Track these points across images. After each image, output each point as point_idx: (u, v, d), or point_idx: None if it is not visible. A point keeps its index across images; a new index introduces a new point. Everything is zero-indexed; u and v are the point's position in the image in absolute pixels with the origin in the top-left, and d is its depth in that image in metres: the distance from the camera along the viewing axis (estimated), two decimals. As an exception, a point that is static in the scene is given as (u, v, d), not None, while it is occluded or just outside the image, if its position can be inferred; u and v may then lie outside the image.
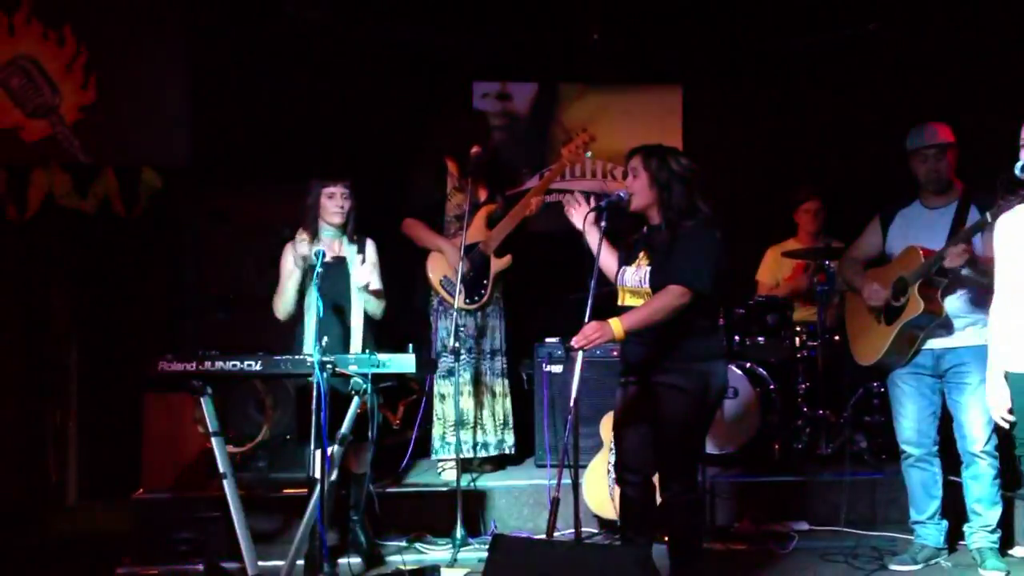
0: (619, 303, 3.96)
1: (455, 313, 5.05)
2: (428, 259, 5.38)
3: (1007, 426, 3.66)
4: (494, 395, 5.47)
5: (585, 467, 4.94)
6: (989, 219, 3.85)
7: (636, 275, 3.88)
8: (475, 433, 5.36)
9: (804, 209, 6.21)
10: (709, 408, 3.93)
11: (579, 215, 3.94)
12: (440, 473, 5.38)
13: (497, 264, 5.44)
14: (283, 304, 4.65)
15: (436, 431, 5.38)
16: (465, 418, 5.32)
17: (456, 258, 5.21)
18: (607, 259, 4.04)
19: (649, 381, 3.86)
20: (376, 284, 4.74)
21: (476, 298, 5.37)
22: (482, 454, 5.42)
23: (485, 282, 5.39)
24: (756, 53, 6.74)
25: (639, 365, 3.90)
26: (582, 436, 4.60)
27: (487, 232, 5.40)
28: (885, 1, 6.34)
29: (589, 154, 5.72)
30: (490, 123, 6.64)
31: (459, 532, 4.78)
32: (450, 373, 5.26)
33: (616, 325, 3.68)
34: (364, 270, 4.64)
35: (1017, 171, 3.44)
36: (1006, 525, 4.56)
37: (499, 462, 5.55)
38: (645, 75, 7.00)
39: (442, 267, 5.35)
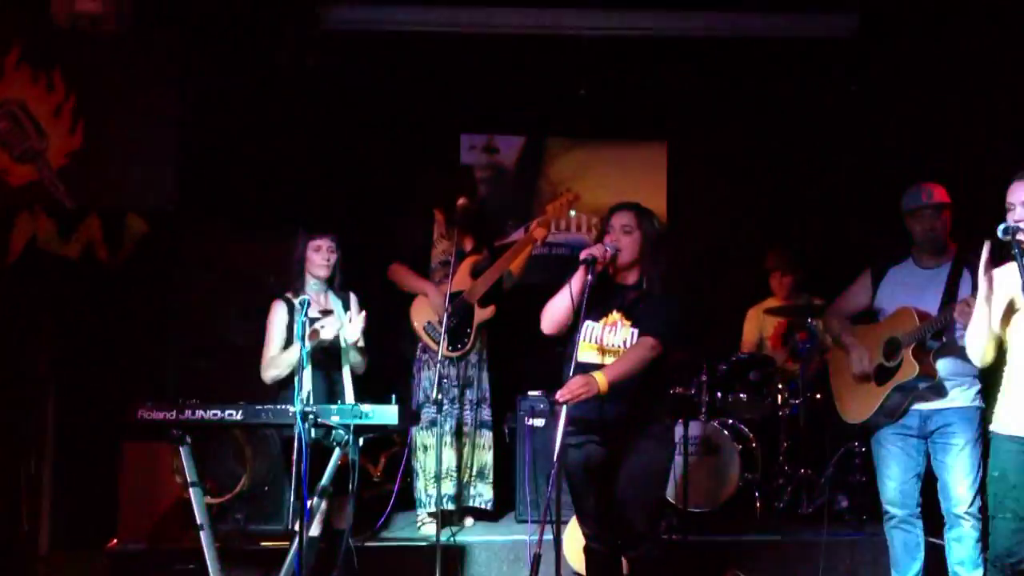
0: (579, 360, 3.91)
1: (438, 361, 5.02)
2: (412, 305, 5.39)
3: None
4: (475, 447, 5.45)
5: (567, 523, 4.90)
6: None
7: (614, 335, 3.88)
8: (454, 484, 5.33)
9: (771, 276, 6.32)
10: (669, 463, 4.01)
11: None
12: (420, 527, 5.33)
13: (481, 314, 5.45)
14: (276, 370, 4.58)
15: (419, 483, 5.35)
16: (446, 470, 5.29)
17: (440, 303, 5.23)
18: (558, 303, 3.97)
19: (610, 438, 3.85)
20: (360, 341, 4.75)
21: (459, 346, 5.37)
22: (460, 505, 5.39)
23: (468, 330, 5.40)
24: (741, 111, 6.82)
25: (599, 422, 3.86)
26: (564, 491, 4.57)
27: (471, 281, 5.42)
28: (870, 62, 6.43)
29: (573, 212, 5.79)
30: (477, 176, 6.68)
31: (438, 588, 4.73)
32: (432, 424, 5.24)
33: (601, 379, 3.68)
34: (355, 326, 4.63)
35: (999, 233, 3.46)
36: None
37: (479, 513, 5.51)
38: (631, 131, 7.07)
39: (426, 313, 5.36)
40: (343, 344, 4.68)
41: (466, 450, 5.42)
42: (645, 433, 3.83)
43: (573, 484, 4.01)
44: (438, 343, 5.15)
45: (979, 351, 3.58)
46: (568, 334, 3.90)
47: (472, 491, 5.45)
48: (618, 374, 3.74)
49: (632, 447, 3.82)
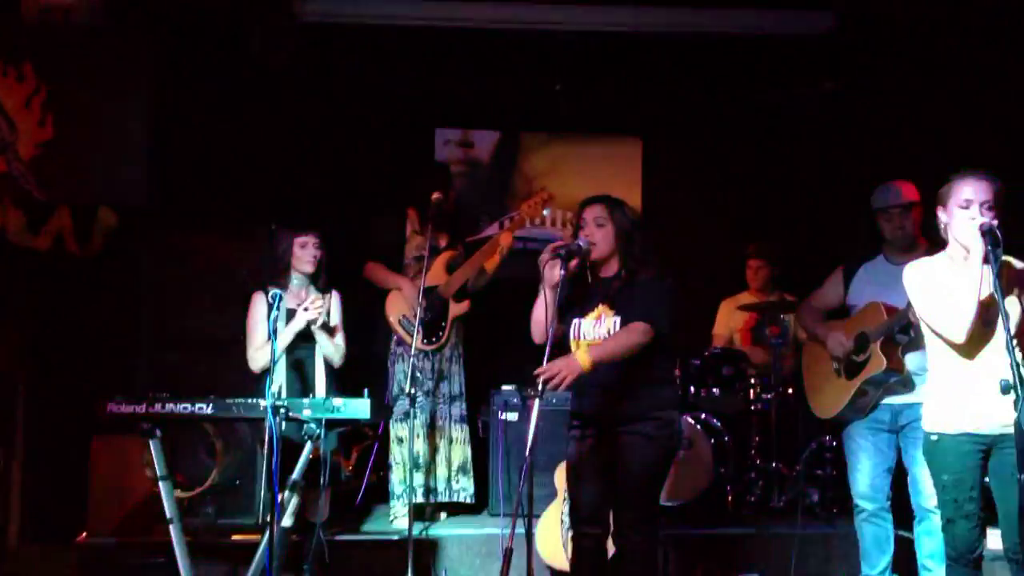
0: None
1: (412, 355, 5.01)
2: (387, 299, 5.41)
3: None
4: (451, 441, 5.45)
5: (539, 517, 4.91)
6: None
7: (599, 327, 3.88)
8: (428, 478, 5.33)
9: (748, 265, 6.34)
10: (671, 456, 3.96)
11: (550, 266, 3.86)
12: (392, 520, 5.33)
13: (455, 308, 5.46)
14: (263, 358, 4.59)
15: (393, 476, 5.36)
16: (419, 463, 5.28)
17: (414, 297, 5.24)
18: (541, 312, 3.95)
19: (612, 431, 3.86)
20: (340, 337, 4.76)
21: (434, 339, 5.38)
22: (435, 500, 5.39)
23: (443, 324, 5.41)
24: (716, 108, 6.84)
25: (600, 415, 3.89)
26: (536, 485, 4.57)
27: (446, 276, 5.42)
28: (845, 60, 6.46)
29: (547, 211, 5.79)
30: (452, 172, 6.68)
31: (409, 582, 4.72)
32: (406, 417, 5.24)
33: (583, 357, 3.66)
34: (314, 308, 4.62)
35: (979, 230, 3.49)
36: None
37: (452, 508, 5.50)
38: (606, 126, 7.08)
39: (400, 307, 5.38)
40: (318, 339, 4.68)
41: (442, 444, 5.42)
42: (646, 427, 3.83)
43: (570, 478, 4.02)
44: (412, 336, 5.16)
45: (962, 326, 3.56)
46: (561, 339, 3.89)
47: (455, 485, 5.46)
48: (603, 354, 3.72)
49: (632, 441, 3.82)
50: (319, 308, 4.60)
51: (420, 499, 5.27)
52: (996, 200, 3.53)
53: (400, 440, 5.35)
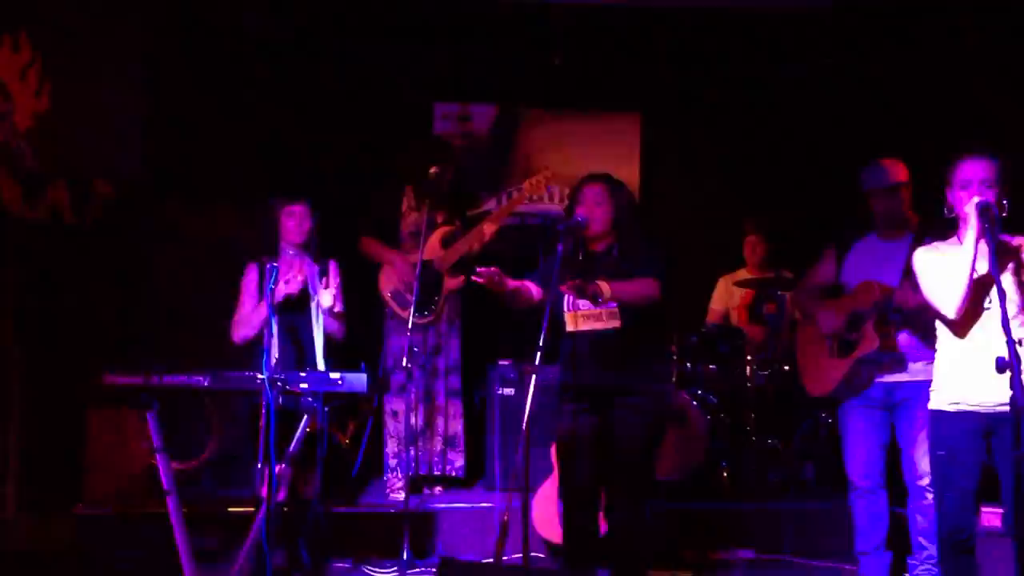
0: (571, 329, 3.98)
1: (409, 329, 5.01)
2: (381, 273, 5.41)
3: None
4: (444, 415, 5.46)
5: (535, 491, 4.93)
6: None
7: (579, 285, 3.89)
8: (421, 451, 5.35)
9: (746, 242, 6.34)
10: (664, 430, 4.00)
11: None
12: (389, 493, 5.35)
13: (450, 283, 5.45)
14: (245, 329, 4.63)
15: (389, 449, 5.38)
16: (414, 436, 5.29)
17: (407, 272, 5.24)
18: (531, 287, 4.04)
19: (605, 405, 3.87)
20: (339, 307, 4.75)
21: (427, 312, 5.37)
22: (428, 473, 5.41)
23: (437, 298, 5.41)
24: (714, 84, 6.82)
25: (593, 388, 3.90)
26: (533, 459, 4.59)
27: (442, 251, 5.41)
28: (843, 37, 6.44)
29: (549, 188, 5.78)
30: (452, 147, 6.66)
31: (406, 555, 4.73)
32: (401, 390, 5.25)
33: (605, 287, 3.74)
34: (328, 293, 4.63)
35: (974, 208, 3.49)
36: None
37: (448, 481, 5.52)
38: (605, 102, 7.06)
39: (394, 281, 5.37)
40: (314, 310, 4.67)
41: (435, 418, 5.43)
42: (638, 400, 3.86)
43: (562, 453, 4.04)
44: (405, 309, 5.18)
45: (954, 303, 3.56)
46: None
47: (446, 459, 5.48)
48: (620, 292, 3.79)
49: (625, 414, 3.85)
50: (329, 293, 4.61)
51: (413, 473, 5.26)
52: (998, 177, 3.52)
53: (395, 413, 5.37)
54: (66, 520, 4.83)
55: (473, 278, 3.78)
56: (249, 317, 4.63)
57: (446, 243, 5.44)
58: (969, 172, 3.54)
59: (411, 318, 5.00)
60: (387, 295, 5.42)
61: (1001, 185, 3.53)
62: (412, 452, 5.26)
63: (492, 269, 3.75)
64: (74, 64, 5.80)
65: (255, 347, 4.62)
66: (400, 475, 5.30)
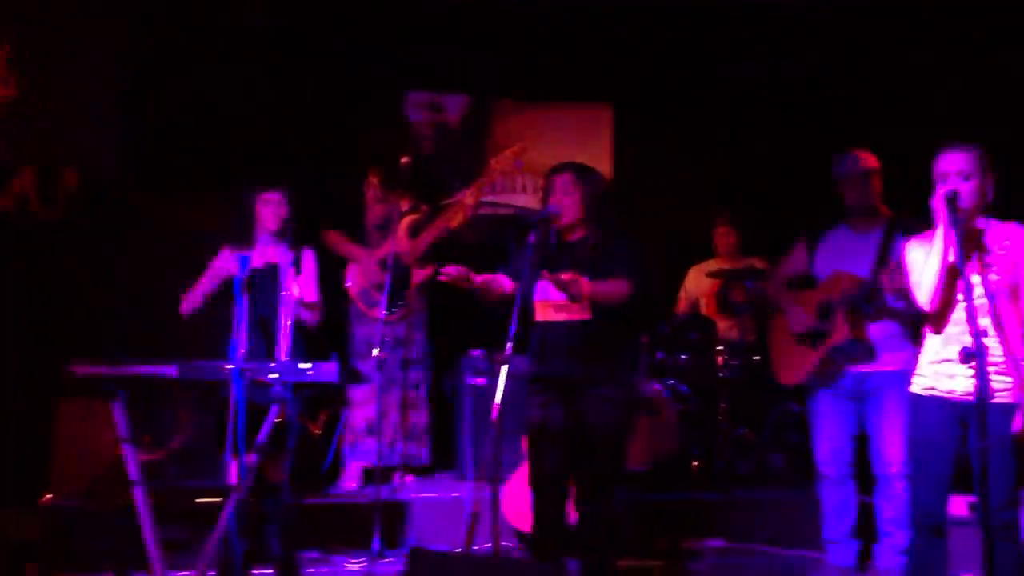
0: (540, 319, 3.98)
1: (384, 323, 5.00)
2: (347, 269, 5.36)
3: None
4: (408, 406, 5.41)
5: (505, 481, 4.94)
6: None
7: (563, 279, 3.89)
8: (383, 442, 5.26)
9: (716, 232, 6.38)
10: (633, 420, 4.01)
11: None
12: (345, 482, 5.34)
13: (419, 275, 5.40)
14: (193, 297, 4.58)
15: (349, 439, 5.36)
16: (373, 426, 5.28)
17: (374, 271, 5.20)
18: (502, 280, 4.05)
19: (575, 395, 3.88)
20: (312, 295, 4.71)
21: (395, 309, 5.31)
22: (392, 464, 5.34)
23: (405, 292, 5.32)
24: (686, 75, 6.83)
25: (564, 379, 3.91)
26: (504, 450, 4.60)
27: (409, 242, 5.36)
28: (811, 32, 6.46)
29: (519, 163, 5.66)
30: (422, 134, 6.63)
31: (376, 545, 4.72)
32: (366, 380, 5.22)
33: (586, 286, 3.75)
34: (298, 281, 4.60)
35: (941, 199, 3.51)
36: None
37: (417, 471, 5.51)
38: (577, 93, 7.05)
39: (359, 279, 5.33)
40: (287, 297, 4.64)
41: (399, 409, 5.37)
42: (608, 390, 3.86)
43: (532, 443, 4.04)
44: (371, 308, 5.17)
45: (926, 294, 3.58)
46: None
47: (409, 450, 5.45)
48: (597, 291, 3.79)
49: (594, 404, 3.85)
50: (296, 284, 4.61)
51: (375, 463, 5.18)
52: (976, 167, 3.52)
53: (354, 404, 5.32)
54: (33, 512, 4.78)
55: (439, 278, 3.77)
56: (202, 288, 4.57)
57: (413, 232, 5.37)
58: (945, 165, 3.54)
59: (384, 313, 4.98)
60: (354, 294, 5.36)
61: (981, 175, 3.52)
62: (375, 443, 5.23)
63: (458, 268, 3.73)
64: (44, 53, 5.74)
65: (224, 335, 4.58)
66: (357, 465, 5.29)
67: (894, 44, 6.05)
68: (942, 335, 3.62)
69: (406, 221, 5.40)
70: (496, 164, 5.41)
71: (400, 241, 5.33)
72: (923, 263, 3.61)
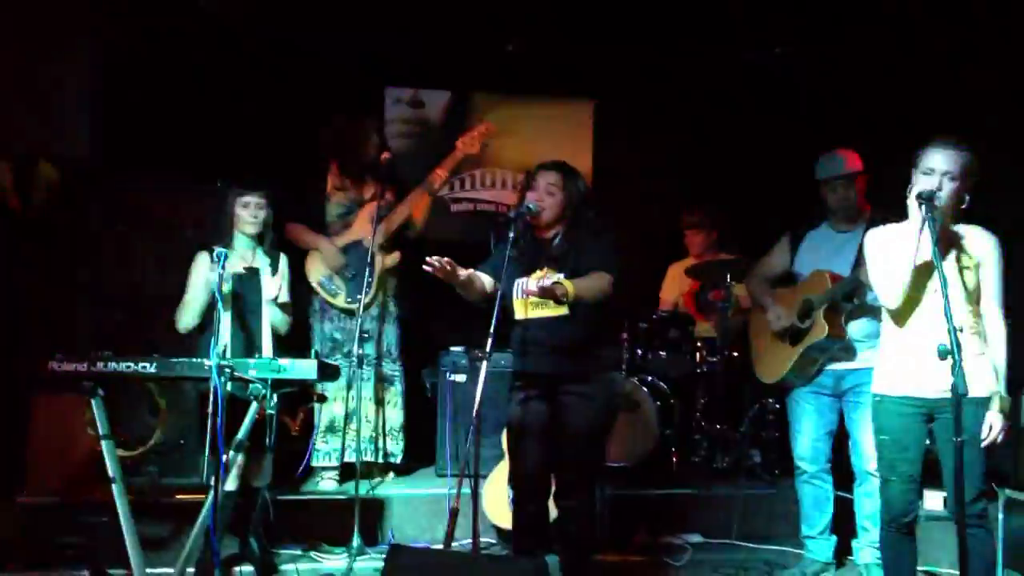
0: (520, 316, 3.98)
1: (359, 315, 4.96)
2: (307, 259, 5.33)
3: None
4: (381, 402, 5.38)
5: (485, 477, 4.94)
6: None
7: (545, 284, 3.90)
8: (351, 440, 5.19)
9: (686, 235, 6.42)
10: (613, 416, 4.01)
11: None
12: (319, 482, 5.31)
13: (383, 261, 5.34)
14: (189, 316, 4.62)
15: (319, 437, 5.31)
16: (336, 424, 5.27)
17: (333, 256, 5.18)
18: (483, 277, 4.04)
19: (555, 391, 3.89)
20: (284, 298, 4.72)
21: (360, 296, 5.13)
22: (365, 460, 5.26)
23: (370, 280, 5.21)
24: (667, 71, 6.84)
25: (545, 376, 3.92)
26: (483, 446, 4.60)
27: (373, 229, 5.21)
28: (795, 27, 6.48)
29: (486, 144, 5.59)
30: (400, 130, 6.60)
31: (356, 541, 4.72)
32: (336, 377, 5.19)
33: (569, 285, 3.73)
34: (274, 282, 4.63)
35: (915, 197, 3.53)
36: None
37: (392, 469, 5.49)
38: (558, 88, 7.05)
39: (320, 268, 5.30)
40: (265, 299, 4.66)
41: (367, 406, 5.31)
42: (588, 387, 3.87)
43: (512, 439, 4.05)
44: (334, 296, 5.14)
45: (895, 291, 3.61)
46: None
47: (381, 447, 5.40)
48: (581, 289, 3.77)
49: (574, 401, 3.86)
50: (274, 283, 4.64)
51: (352, 459, 5.15)
52: (963, 171, 3.53)
53: (326, 401, 5.29)
54: (9, 509, 4.74)
55: (424, 268, 3.75)
56: (192, 305, 4.61)
57: (377, 219, 5.28)
58: (934, 161, 3.55)
59: (360, 304, 4.95)
60: (315, 283, 5.31)
61: (965, 179, 3.54)
62: (337, 441, 5.23)
63: (443, 259, 3.73)
64: (18, 45, 5.69)
65: (204, 333, 4.58)
66: (328, 464, 5.27)
67: (878, 43, 6.08)
68: (908, 333, 3.64)
69: (368, 208, 5.30)
70: (462, 146, 5.41)
71: (363, 228, 5.28)
72: (885, 258, 3.64)
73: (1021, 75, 5.32)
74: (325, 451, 5.31)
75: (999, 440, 3.53)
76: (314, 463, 5.30)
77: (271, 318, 4.69)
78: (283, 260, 4.85)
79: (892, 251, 3.64)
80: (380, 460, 5.41)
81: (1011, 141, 5.11)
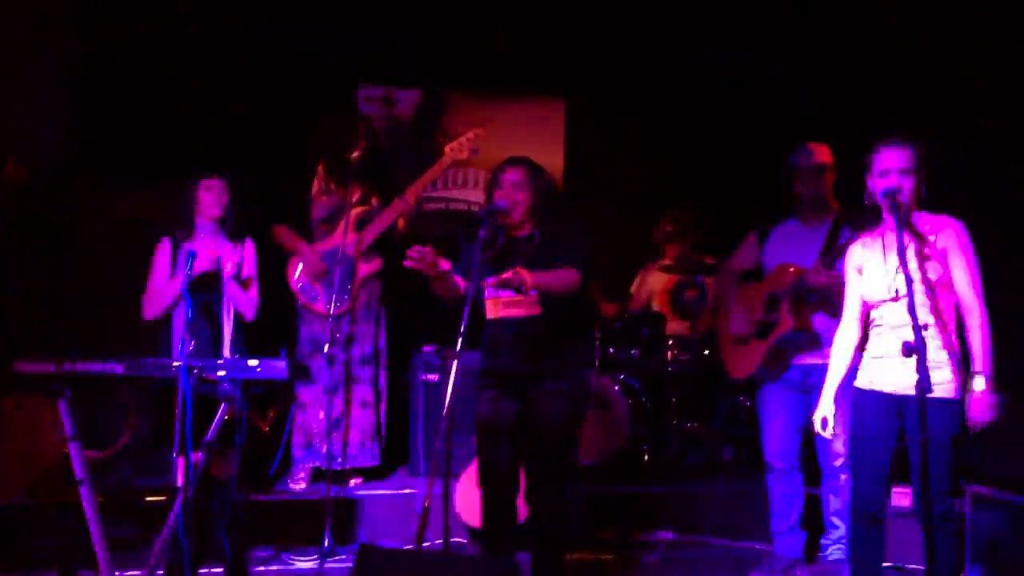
0: (492, 316, 3.98)
1: (332, 319, 4.97)
2: (289, 264, 5.32)
3: (829, 437, 3.89)
4: (362, 405, 5.37)
5: (458, 476, 4.94)
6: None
7: (503, 276, 3.89)
8: (331, 444, 5.17)
9: (665, 246, 6.40)
10: (584, 414, 4.01)
11: None
12: (290, 484, 5.28)
13: (365, 268, 5.33)
14: (154, 305, 4.60)
15: (296, 439, 5.29)
16: (322, 427, 5.24)
17: (314, 262, 5.16)
18: (452, 276, 4.02)
19: (525, 389, 3.89)
20: (254, 289, 4.70)
21: (340, 304, 5.18)
22: (348, 466, 5.28)
23: (349, 286, 5.22)
24: (638, 70, 6.86)
25: (514, 373, 3.91)
26: (456, 445, 4.57)
27: (355, 234, 5.25)
28: (767, 27, 6.51)
29: (475, 151, 5.57)
30: (370, 125, 6.57)
31: (327, 542, 4.70)
32: (312, 380, 5.18)
33: (527, 274, 3.70)
34: (232, 257, 4.62)
35: (881, 196, 3.57)
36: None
37: (368, 473, 5.46)
38: (529, 87, 7.05)
39: (302, 272, 5.28)
40: (228, 289, 4.63)
41: (349, 409, 5.31)
42: (559, 384, 3.87)
43: (482, 438, 4.04)
44: (313, 302, 5.13)
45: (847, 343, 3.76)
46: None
47: (361, 451, 5.39)
48: (541, 281, 3.75)
49: (545, 398, 3.86)
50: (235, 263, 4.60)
51: (324, 465, 5.13)
52: (916, 163, 3.58)
53: (303, 405, 5.28)
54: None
55: (404, 262, 3.72)
56: (160, 292, 4.59)
57: (360, 225, 5.27)
58: (887, 161, 3.59)
59: (332, 306, 4.94)
60: (296, 288, 5.31)
61: (919, 171, 3.59)
62: (324, 444, 5.19)
63: (424, 249, 3.70)
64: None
65: (163, 330, 4.56)
66: (306, 466, 5.25)
67: (848, 37, 6.12)
68: (879, 330, 3.68)
69: (354, 212, 5.26)
70: (451, 152, 5.38)
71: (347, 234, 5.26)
72: (857, 281, 3.71)
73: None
74: (300, 454, 5.28)
75: (988, 419, 3.52)
76: (287, 464, 5.27)
77: (235, 302, 4.65)
78: (250, 244, 4.82)
79: (868, 272, 3.69)
80: (361, 466, 5.39)
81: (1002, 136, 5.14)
